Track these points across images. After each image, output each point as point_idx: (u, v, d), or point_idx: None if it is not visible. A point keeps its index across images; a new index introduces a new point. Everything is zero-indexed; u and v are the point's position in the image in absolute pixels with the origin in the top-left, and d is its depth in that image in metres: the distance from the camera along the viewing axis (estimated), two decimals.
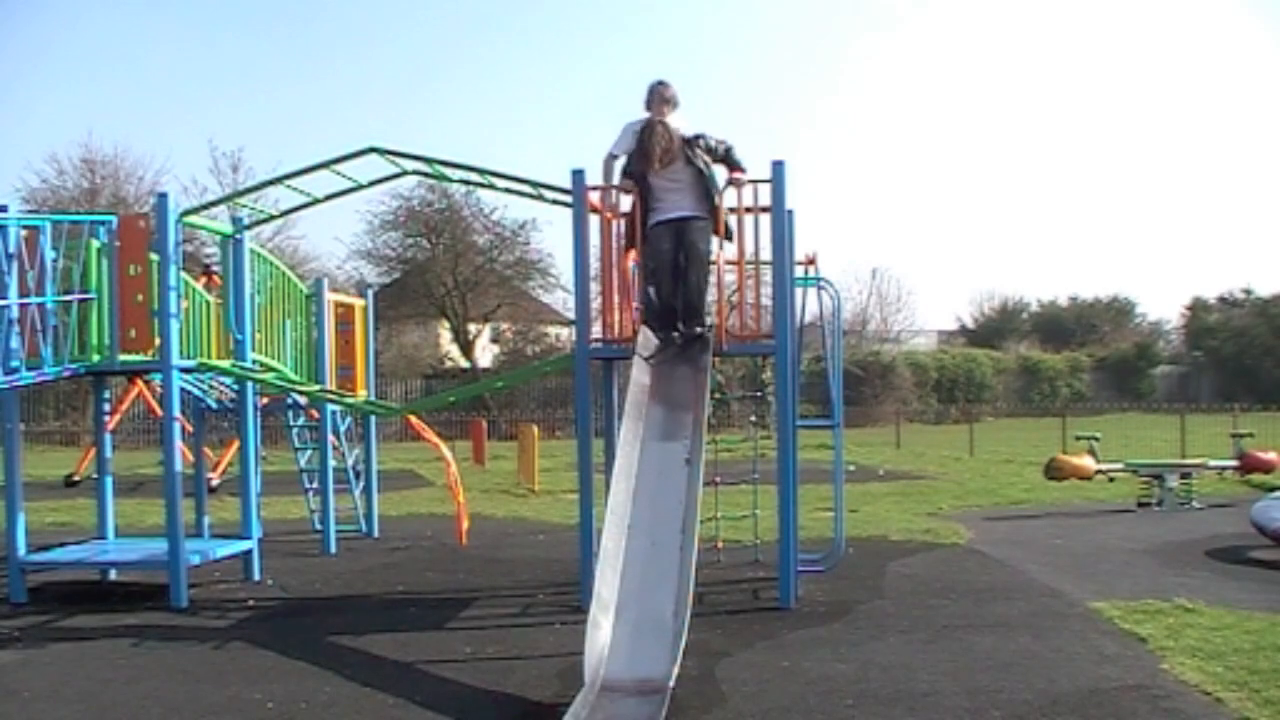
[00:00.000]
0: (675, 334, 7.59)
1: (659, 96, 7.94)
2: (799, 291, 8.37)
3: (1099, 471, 13.74)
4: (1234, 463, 14.18)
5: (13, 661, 6.51)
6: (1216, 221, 73.23)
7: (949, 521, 11.99)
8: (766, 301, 7.93)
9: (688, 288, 7.71)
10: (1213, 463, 14.18)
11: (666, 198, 7.74)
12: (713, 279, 7.91)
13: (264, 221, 10.56)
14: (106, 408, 9.67)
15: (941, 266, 70.85)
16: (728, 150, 7.81)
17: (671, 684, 5.18)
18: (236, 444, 11.83)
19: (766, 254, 7.74)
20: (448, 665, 6.19)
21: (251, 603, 8.20)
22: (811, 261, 8.74)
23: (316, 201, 9.17)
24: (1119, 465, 13.91)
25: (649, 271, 7.85)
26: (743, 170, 7.77)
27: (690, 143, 7.77)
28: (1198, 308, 49.02)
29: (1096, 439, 14.40)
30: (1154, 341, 49.50)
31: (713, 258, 7.85)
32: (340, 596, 8.44)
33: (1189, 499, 13.07)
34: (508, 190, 9.14)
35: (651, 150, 7.66)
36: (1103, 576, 8.60)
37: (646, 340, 7.53)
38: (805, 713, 5.18)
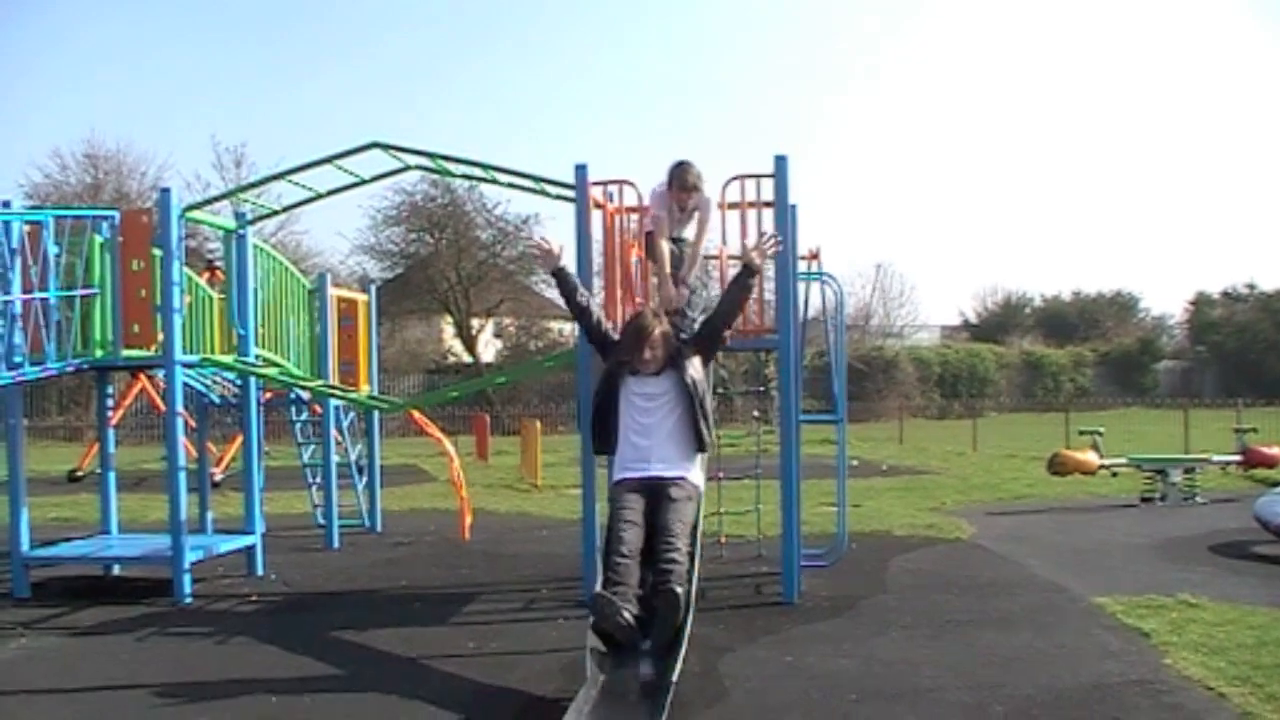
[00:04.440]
0: (625, 618, 5.31)
1: (678, 182, 7.32)
2: (802, 286, 8.36)
3: (1102, 466, 13.73)
4: (1237, 458, 14.17)
5: (16, 656, 6.51)
6: (1220, 216, 73.31)
7: (952, 517, 11.99)
8: (769, 296, 7.92)
9: (666, 538, 5.71)
10: (1216, 458, 14.16)
11: (640, 426, 6.16)
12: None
13: (267, 217, 10.55)
14: (110, 403, 9.68)
15: (945, 261, 71.03)
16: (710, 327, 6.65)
17: (674, 679, 5.17)
18: (240, 439, 11.83)
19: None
20: (451, 660, 6.19)
21: (255, 598, 8.21)
22: (815, 256, 8.74)
23: (319, 196, 9.16)
24: (1122, 460, 13.89)
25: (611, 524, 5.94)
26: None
27: (681, 348, 6.33)
28: (1201, 302, 49.01)
29: (1100, 434, 14.38)
30: (1157, 336, 49.54)
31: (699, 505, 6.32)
32: (343, 591, 8.44)
33: (1192, 494, 13.06)
34: (510, 185, 9.11)
35: (640, 349, 6.17)
36: (1106, 571, 8.60)
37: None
38: (808, 708, 5.18)
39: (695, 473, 6.22)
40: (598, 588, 5.53)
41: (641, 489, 5.96)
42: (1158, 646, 6.13)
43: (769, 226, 7.58)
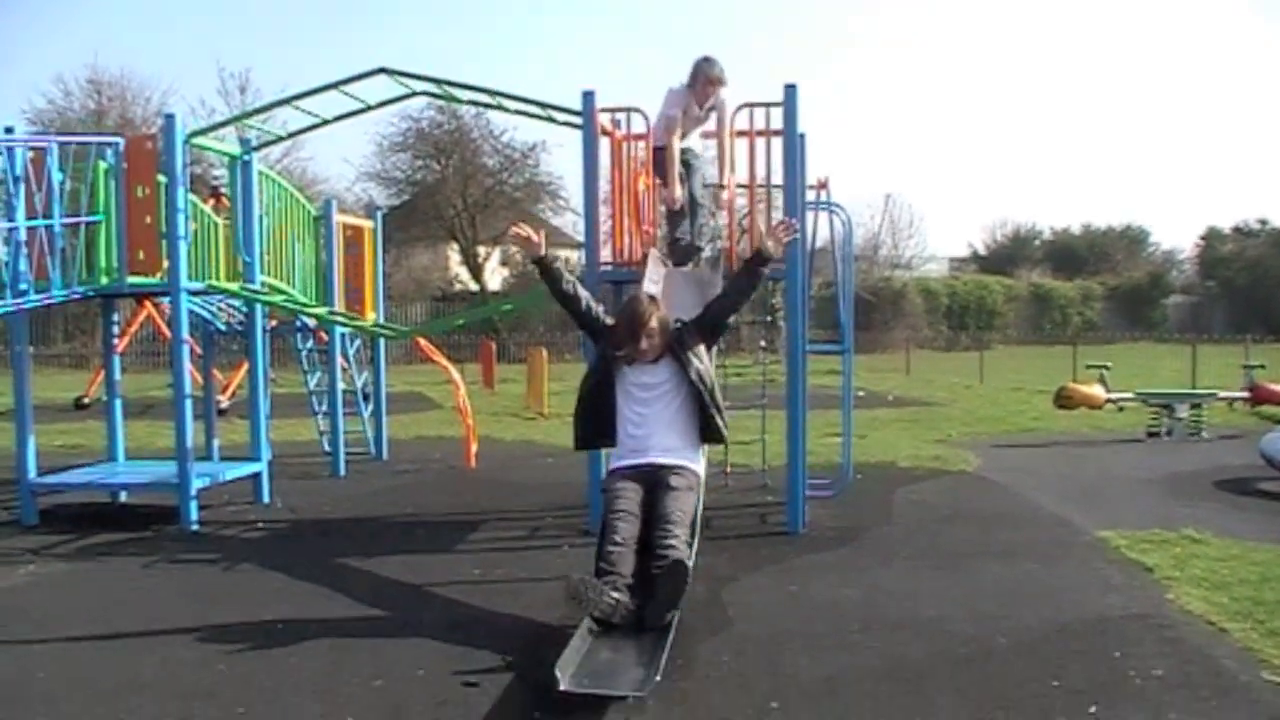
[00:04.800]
0: (612, 597, 4.95)
1: (704, 74, 7.40)
2: (810, 216, 8.28)
3: (1109, 400, 13.70)
4: (1245, 394, 14.13)
5: (24, 583, 6.57)
6: (1232, 151, 72.60)
7: (958, 449, 12.00)
8: None
9: (664, 525, 5.37)
10: (1223, 394, 14.12)
11: (638, 417, 5.81)
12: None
13: (272, 143, 10.48)
14: (115, 330, 9.67)
15: (954, 193, 70.45)
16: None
17: (679, 608, 5.19)
18: (245, 366, 11.84)
19: (778, 178, 7.65)
20: (455, 587, 6.23)
21: (261, 525, 8.25)
22: (823, 186, 8.64)
23: (325, 123, 9.08)
24: (1129, 395, 13.86)
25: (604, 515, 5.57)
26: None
27: (681, 334, 5.92)
28: (1212, 237, 48.62)
29: (1107, 368, 14.33)
30: (1167, 271, 49.22)
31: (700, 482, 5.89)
32: (349, 519, 8.48)
33: (1198, 430, 13.04)
34: (517, 112, 9.03)
35: (636, 338, 5.75)
36: (1110, 506, 8.60)
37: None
38: (811, 637, 5.20)
39: (698, 462, 5.89)
40: (577, 575, 5.11)
41: (639, 477, 5.63)
42: (1160, 581, 6.14)
43: (778, 155, 7.52)
